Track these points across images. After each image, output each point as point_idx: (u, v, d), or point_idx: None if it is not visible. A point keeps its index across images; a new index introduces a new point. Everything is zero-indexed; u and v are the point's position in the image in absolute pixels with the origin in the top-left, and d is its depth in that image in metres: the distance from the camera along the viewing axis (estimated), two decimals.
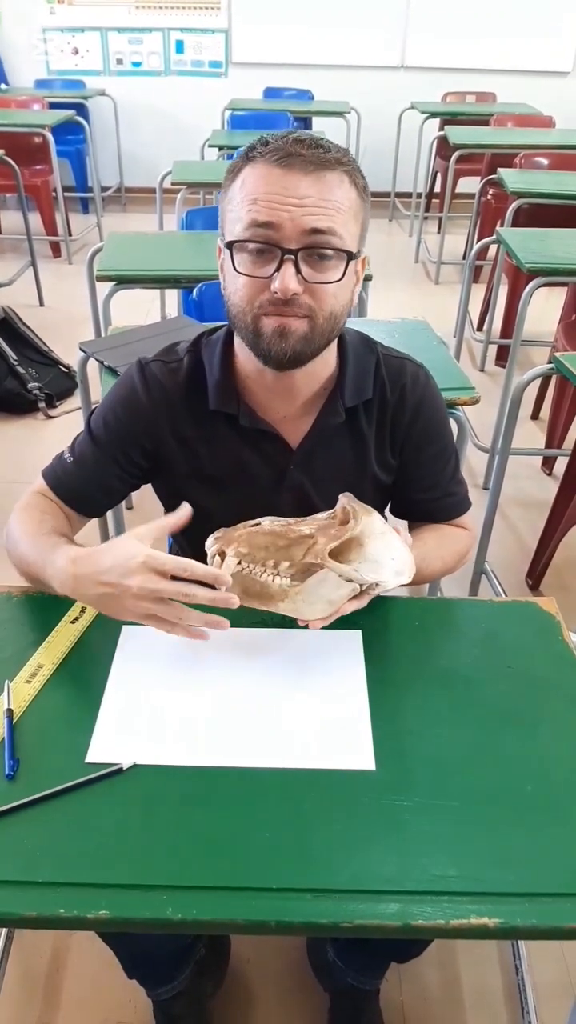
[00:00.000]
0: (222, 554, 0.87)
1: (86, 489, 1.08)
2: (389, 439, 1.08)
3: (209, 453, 1.06)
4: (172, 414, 1.05)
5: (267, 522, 0.90)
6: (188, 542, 1.23)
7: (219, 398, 1.03)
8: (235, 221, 0.90)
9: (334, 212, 0.88)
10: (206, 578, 0.84)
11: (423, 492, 1.12)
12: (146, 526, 0.88)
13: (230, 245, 0.91)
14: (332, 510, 0.93)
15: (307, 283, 0.89)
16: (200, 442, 1.06)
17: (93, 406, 1.11)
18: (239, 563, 0.87)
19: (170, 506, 1.15)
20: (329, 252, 0.89)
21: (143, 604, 0.84)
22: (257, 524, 0.91)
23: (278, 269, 0.88)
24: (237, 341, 1.00)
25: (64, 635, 0.96)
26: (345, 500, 0.92)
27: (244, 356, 1.00)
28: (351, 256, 0.91)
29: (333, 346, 1.01)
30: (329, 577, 0.85)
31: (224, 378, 1.02)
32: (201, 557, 1.21)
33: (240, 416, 1.03)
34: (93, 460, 1.07)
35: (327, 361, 1.02)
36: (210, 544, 0.90)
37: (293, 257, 0.87)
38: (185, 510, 0.90)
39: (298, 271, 0.88)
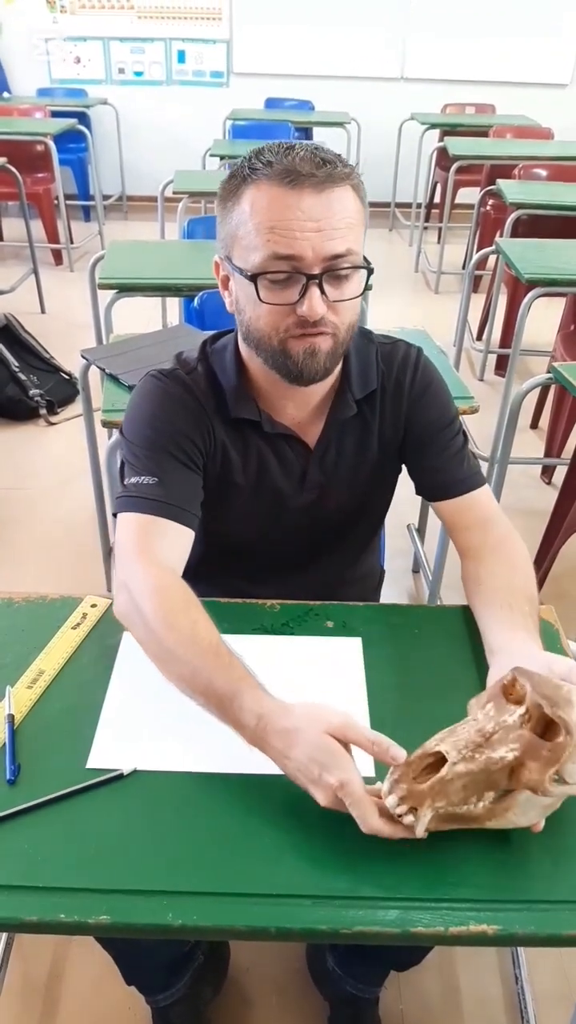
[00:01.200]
0: (413, 810, 0.71)
1: (178, 494, 0.98)
2: (392, 421, 1.09)
3: (239, 459, 1.06)
4: (207, 418, 1.03)
5: (452, 752, 0.72)
6: (194, 552, 1.23)
7: (239, 405, 1.03)
8: (251, 249, 0.89)
9: (347, 230, 0.88)
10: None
11: (436, 459, 1.09)
12: (344, 723, 0.76)
13: (254, 278, 0.89)
14: (517, 707, 0.75)
15: (331, 302, 0.90)
16: (232, 448, 1.05)
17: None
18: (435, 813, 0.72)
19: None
20: (347, 271, 0.90)
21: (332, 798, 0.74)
22: (436, 755, 0.73)
23: (302, 295, 0.88)
24: (249, 353, 1.00)
25: (65, 641, 0.97)
26: (530, 690, 0.74)
27: (256, 365, 1.01)
28: (369, 271, 0.93)
29: None
30: None
31: (240, 385, 1.03)
32: (202, 569, 1.20)
33: (263, 422, 1.04)
34: (164, 464, 0.99)
35: None
36: (393, 802, 0.72)
37: (317, 281, 0.88)
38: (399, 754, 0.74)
39: (322, 292, 0.89)
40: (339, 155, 0.91)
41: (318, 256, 0.87)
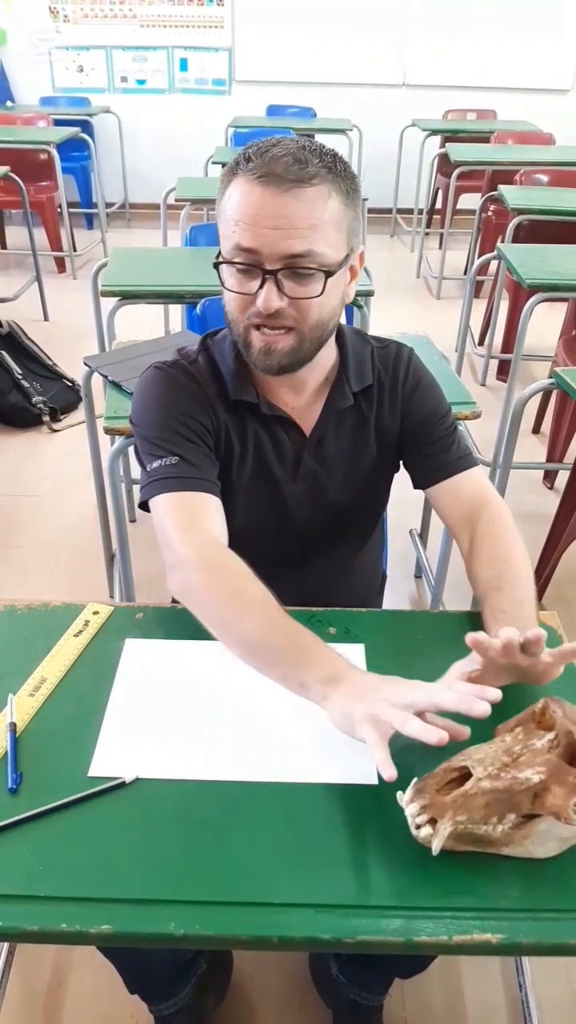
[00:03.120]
0: (432, 822, 0.71)
1: (206, 468, 1.02)
2: (389, 415, 1.13)
3: (238, 443, 1.08)
4: (211, 401, 1.06)
5: (477, 768, 0.72)
6: None
7: (238, 387, 1.06)
8: (224, 238, 0.94)
9: (310, 231, 0.90)
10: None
11: (430, 447, 1.13)
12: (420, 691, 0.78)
13: (217, 266, 0.95)
14: (546, 732, 0.75)
15: (289, 298, 0.93)
16: (232, 430, 1.08)
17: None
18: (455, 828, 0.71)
19: None
20: (308, 271, 0.92)
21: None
22: (461, 770, 0.73)
23: (261, 287, 0.92)
24: None
25: (67, 649, 0.97)
26: (561, 717, 0.74)
27: None
28: (329, 273, 0.93)
29: (332, 338, 1.05)
30: None
31: (239, 369, 1.06)
32: None
33: (260, 404, 1.06)
34: (180, 443, 1.01)
35: (328, 352, 1.06)
36: (413, 810, 0.72)
37: (273, 276, 0.91)
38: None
39: (280, 288, 0.92)
40: (327, 153, 0.93)
41: (275, 253, 0.90)
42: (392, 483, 1.21)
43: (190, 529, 0.97)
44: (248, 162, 0.90)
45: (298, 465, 1.11)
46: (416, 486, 1.17)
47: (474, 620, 1.04)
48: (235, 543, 1.14)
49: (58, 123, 4.78)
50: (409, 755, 0.82)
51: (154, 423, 1.03)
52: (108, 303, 2.22)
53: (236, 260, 0.93)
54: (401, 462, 1.18)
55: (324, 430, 1.10)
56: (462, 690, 0.75)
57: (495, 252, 2.72)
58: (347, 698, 0.79)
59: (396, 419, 1.13)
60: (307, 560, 1.18)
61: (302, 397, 1.08)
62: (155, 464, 1.00)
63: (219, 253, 0.96)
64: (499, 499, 1.12)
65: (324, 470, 1.12)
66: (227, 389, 1.06)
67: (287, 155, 0.89)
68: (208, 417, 1.05)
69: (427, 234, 5.19)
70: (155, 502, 1.00)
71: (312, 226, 0.90)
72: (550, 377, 1.97)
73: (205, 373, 1.07)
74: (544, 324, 3.13)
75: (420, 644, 1.00)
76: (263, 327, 0.95)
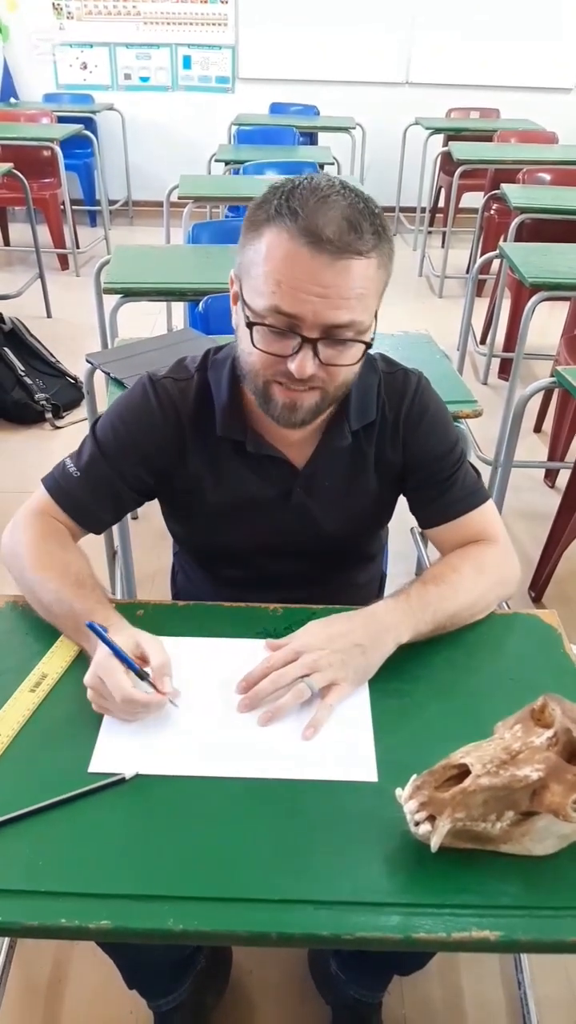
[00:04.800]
0: (431, 819, 0.71)
1: (92, 502, 1.05)
2: (391, 450, 1.08)
3: (213, 480, 1.06)
4: (181, 435, 1.04)
5: (476, 765, 0.72)
6: (190, 558, 1.24)
7: (226, 424, 1.03)
8: (257, 292, 0.88)
9: (355, 301, 0.86)
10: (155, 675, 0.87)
11: (432, 489, 1.09)
12: (150, 642, 0.90)
13: (251, 325, 0.89)
14: (545, 730, 0.75)
15: (323, 363, 0.90)
16: (205, 468, 1.05)
17: (98, 416, 1.12)
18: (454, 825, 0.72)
19: (173, 518, 1.16)
20: (347, 340, 0.89)
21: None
22: (461, 768, 0.73)
23: (295, 351, 0.88)
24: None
25: (68, 645, 0.97)
26: (560, 715, 0.75)
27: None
28: (368, 344, 0.91)
29: None
30: None
31: (232, 403, 1.02)
32: (202, 575, 1.21)
33: (247, 443, 1.03)
34: (100, 472, 1.04)
35: None
36: (412, 807, 0.72)
37: (312, 344, 0.87)
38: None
39: (316, 355, 0.88)
40: (376, 215, 0.88)
41: (318, 321, 0.86)
42: (394, 508, 1.17)
43: (40, 519, 1.04)
44: (294, 215, 0.83)
45: (288, 496, 1.07)
46: (420, 526, 1.13)
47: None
48: (230, 560, 1.14)
49: (61, 120, 4.77)
50: (408, 752, 0.82)
51: (101, 434, 1.05)
52: (111, 300, 2.22)
53: (273, 324, 0.87)
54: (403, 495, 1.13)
55: (316, 467, 1.06)
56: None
57: (497, 251, 2.72)
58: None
59: (398, 453, 1.08)
60: (307, 577, 1.14)
61: (300, 432, 1.02)
62: (68, 464, 1.06)
63: (239, 297, 0.91)
64: (503, 538, 1.08)
65: (316, 503, 1.08)
66: (213, 422, 1.03)
67: (340, 218, 0.84)
68: (164, 454, 1.04)
69: (429, 232, 5.17)
70: (41, 490, 1.06)
71: (358, 296, 0.86)
72: (552, 376, 1.97)
73: (192, 398, 1.03)
74: (546, 323, 3.13)
75: (420, 642, 1.00)
76: (287, 383, 0.92)
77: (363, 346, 0.91)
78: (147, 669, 0.86)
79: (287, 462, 1.05)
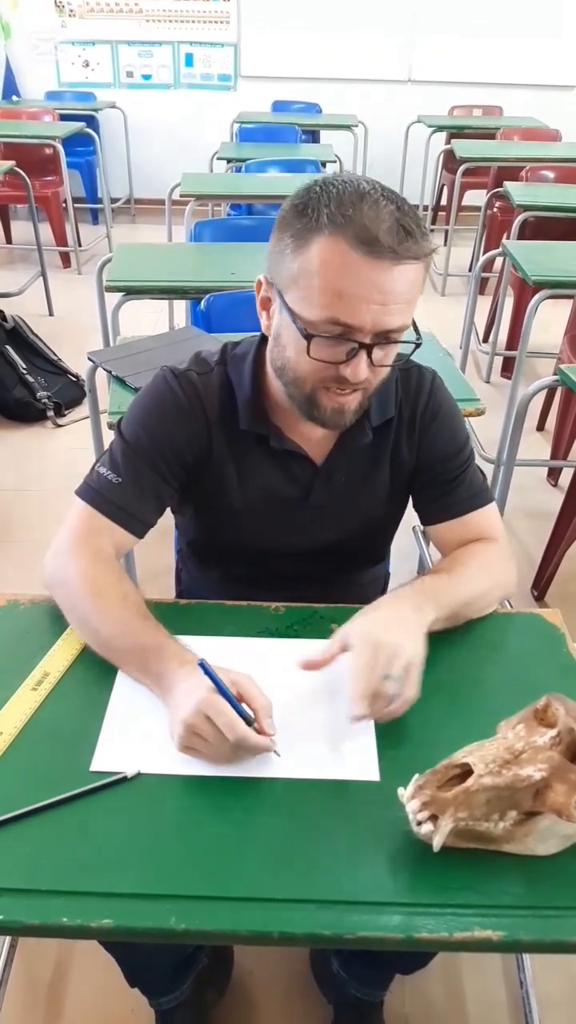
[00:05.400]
0: (434, 818, 0.71)
1: (140, 506, 1.01)
2: (406, 448, 1.08)
3: (237, 475, 1.06)
4: (208, 428, 1.03)
5: (479, 764, 0.72)
6: (195, 558, 1.23)
7: (250, 418, 1.02)
8: (311, 304, 0.86)
9: (407, 306, 0.87)
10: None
11: (439, 488, 1.09)
12: (247, 684, 0.84)
13: (309, 336, 0.87)
14: (548, 730, 0.75)
15: (373, 366, 0.90)
16: (230, 463, 1.05)
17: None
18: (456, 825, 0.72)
19: (192, 514, 1.14)
20: (398, 342, 0.90)
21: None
22: (464, 767, 0.73)
23: (349, 357, 0.88)
24: (272, 371, 0.99)
25: (70, 643, 0.97)
26: (563, 715, 0.75)
27: (279, 386, 0.99)
28: (417, 345, 0.93)
29: None
30: None
31: (255, 398, 1.02)
32: (208, 574, 1.20)
33: (271, 438, 1.03)
34: (141, 472, 1.00)
35: None
36: (414, 806, 0.72)
37: (368, 350, 0.88)
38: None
39: (369, 357, 0.89)
40: (417, 215, 0.87)
41: (375, 327, 0.86)
42: (406, 506, 1.17)
43: (86, 547, 0.98)
44: (348, 222, 0.82)
45: (308, 494, 1.07)
46: (421, 522, 1.13)
47: (477, 617, 1.04)
48: (241, 558, 1.14)
49: (63, 118, 4.78)
50: (410, 752, 0.82)
51: (129, 435, 1.02)
52: (113, 298, 2.22)
53: (330, 333, 0.87)
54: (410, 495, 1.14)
55: (336, 464, 1.06)
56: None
57: (500, 249, 2.72)
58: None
59: (412, 452, 1.08)
60: (315, 577, 1.14)
61: (320, 431, 1.02)
62: (102, 471, 1.01)
63: (280, 305, 0.90)
64: (504, 540, 1.09)
65: (335, 500, 1.08)
66: (237, 416, 1.02)
67: (395, 224, 0.83)
68: (194, 446, 1.03)
69: (432, 230, 5.17)
70: (78, 503, 1.01)
71: (410, 300, 0.87)
72: (555, 374, 1.96)
73: (214, 392, 1.03)
74: (549, 321, 3.12)
75: None
76: (334, 388, 0.92)
77: (410, 345, 0.92)
78: (249, 711, 0.81)
79: (307, 458, 1.06)
